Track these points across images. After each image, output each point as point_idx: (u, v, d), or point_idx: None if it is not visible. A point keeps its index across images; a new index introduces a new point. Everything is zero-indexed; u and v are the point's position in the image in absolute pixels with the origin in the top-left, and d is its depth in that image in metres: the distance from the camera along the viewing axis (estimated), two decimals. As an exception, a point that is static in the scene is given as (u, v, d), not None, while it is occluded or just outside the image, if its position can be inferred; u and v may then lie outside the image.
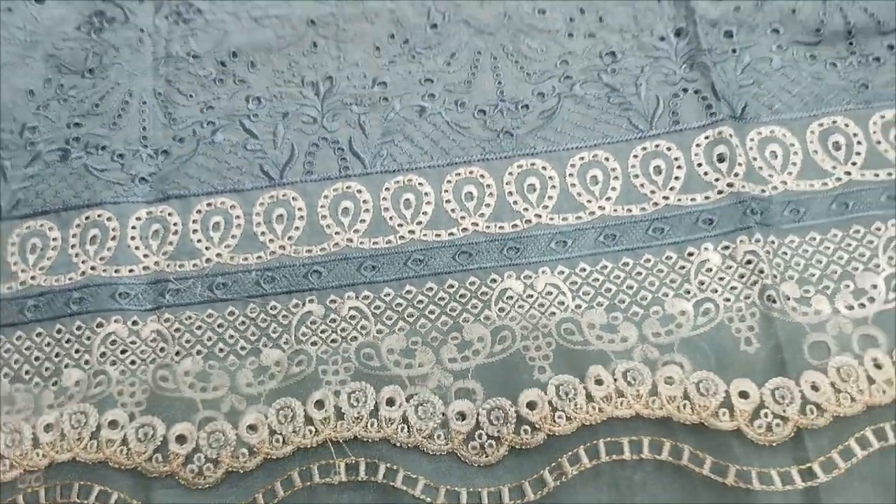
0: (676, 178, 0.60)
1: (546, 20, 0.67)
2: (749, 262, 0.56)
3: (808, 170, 0.60)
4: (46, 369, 0.56)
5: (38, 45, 0.68)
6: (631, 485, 0.51)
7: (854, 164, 0.60)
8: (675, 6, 0.67)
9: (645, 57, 0.65)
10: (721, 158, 0.60)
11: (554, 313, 0.56)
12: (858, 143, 0.60)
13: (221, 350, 0.56)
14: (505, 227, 0.59)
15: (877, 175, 0.59)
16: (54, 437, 0.54)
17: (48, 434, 0.54)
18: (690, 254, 0.57)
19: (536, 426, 0.52)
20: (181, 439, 0.53)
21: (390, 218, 0.60)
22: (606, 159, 0.61)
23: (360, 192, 0.61)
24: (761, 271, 0.56)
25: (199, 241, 0.60)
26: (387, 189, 0.61)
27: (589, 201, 0.60)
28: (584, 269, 0.57)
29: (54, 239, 0.61)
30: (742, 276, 0.56)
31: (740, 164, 0.59)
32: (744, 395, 0.52)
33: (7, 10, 0.69)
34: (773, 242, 0.57)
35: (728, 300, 0.55)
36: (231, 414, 0.54)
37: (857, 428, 0.51)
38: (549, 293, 0.57)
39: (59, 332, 0.57)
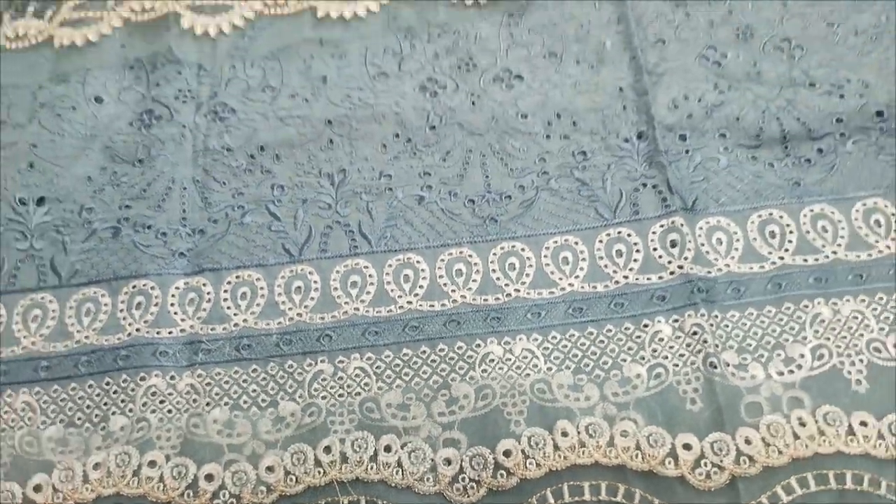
0: (635, 260, 0.71)
1: (527, 124, 0.79)
2: (695, 333, 0.66)
3: (748, 255, 0.70)
4: (96, 416, 0.67)
5: (96, 139, 0.81)
6: (590, 522, 0.60)
7: (787, 250, 0.70)
8: (637, 113, 0.79)
9: (611, 156, 0.77)
10: (673, 244, 0.71)
11: (529, 374, 0.66)
12: (791, 232, 0.71)
13: (245, 402, 0.67)
14: (489, 299, 0.70)
15: (805, 260, 0.70)
16: (101, 474, 0.64)
17: (96, 472, 0.64)
18: (645, 325, 0.68)
19: (511, 471, 0.62)
20: (209, 478, 0.63)
21: (391, 290, 0.71)
22: (576, 243, 0.72)
23: (366, 268, 0.72)
24: (705, 341, 0.66)
25: (228, 307, 0.71)
26: (389, 266, 0.72)
27: (560, 279, 0.70)
28: (555, 337, 0.68)
29: (105, 304, 0.72)
30: (689, 346, 0.66)
31: (690, 249, 0.70)
32: (687, 447, 0.62)
33: (71, 108, 0.82)
34: (716, 316, 0.67)
35: (677, 366, 0.65)
36: (252, 457, 0.64)
37: (783, 476, 0.60)
38: (525, 357, 0.67)
39: (107, 384, 0.68)
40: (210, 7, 0.87)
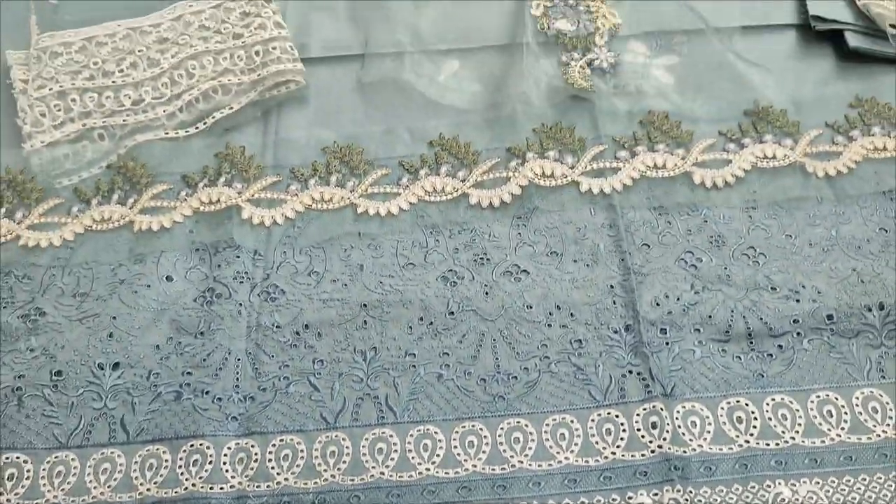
0: (622, 438, 0.85)
1: (532, 313, 0.95)
2: (672, 506, 0.80)
3: (718, 437, 0.85)
4: (155, 561, 0.80)
5: (165, 312, 0.98)
6: None
7: (752, 434, 0.85)
8: (625, 308, 0.95)
9: (603, 345, 0.92)
10: (654, 426, 0.86)
11: (529, 538, 0.79)
12: (755, 418, 0.86)
13: (284, 553, 0.80)
14: (496, 469, 0.84)
15: (768, 444, 0.84)
16: None
17: None
18: (630, 497, 0.81)
19: None
20: None
21: (412, 458, 0.85)
22: (572, 421, 0.87)
23: (391, 436, 0.87)
24: (681, 514, 0.80)
25: (272, 467, 0.85)
26: (411, 435, 0.87)
27: (558, 453, 0.85)
28: (552, 505, 0.81)
29: (166, 460, 0.86)
30: (667, 517, 0.80)
31: (668, 431, 0.85)
32: None
33: (146, 286, 0.99)
34: (690, 492, 0.81)
35: (656, 534, 0.79)
36: None
37: None
38: (526, 522, 0.80)
39: (166, 532, 0.81)
40: (266, 201, 1.07)
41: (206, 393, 0.91)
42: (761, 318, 0.93)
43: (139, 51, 1.19)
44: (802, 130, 1.09)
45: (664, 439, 0.84)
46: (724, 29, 1.21)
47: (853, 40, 1.16)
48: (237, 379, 0.92)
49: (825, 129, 1.10)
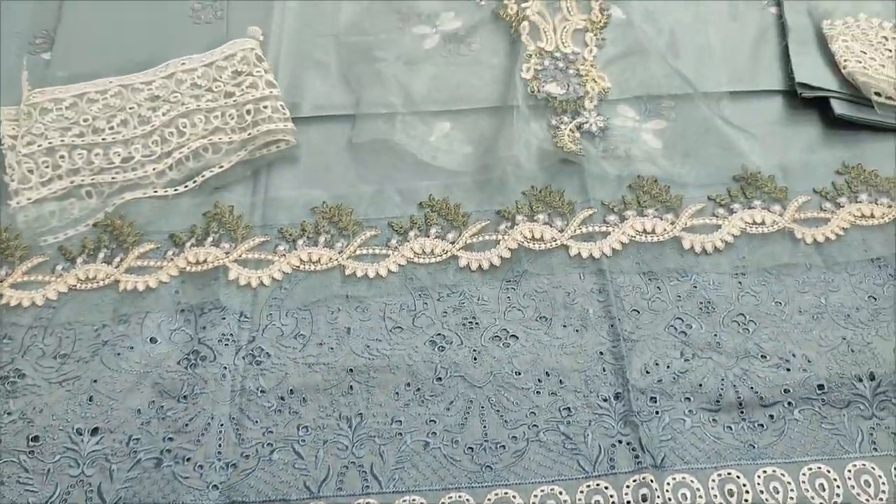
0: (611, 511, 0.85)
1: (521, 380, 0.95)
2: (663, 582, 0.79)
3: (709, 511, 0.85)
4: None
5: (148, 375, 0.97)
6: None
7: (743, 508, 0.85)
8: (615, 376, 0.95)
9: (592, 413, 0.92)
10: (644, 498, 0.85)
11: None
12: (746, 491, 0.86)
13: None
14: (482, 541, 0.83)
15: (759, 519, 0.84)
16: None
17: None
18: (620, 574, 0.81)
19: None
20: None
21: (397, 529, 0.84)
22: (560, 493, 0.86)
23: (376, 507, 0.86)
24: (672, 591, 0.79)
25: (252, 538, 0.84)
26: (396, 505, 0.86)
27: (546, 526, 0.84)
28: (540, 582, 0.80)
29: (144, 531, 0.85)
30: (658, 593, 0.79)
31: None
32: None
33: (129, 347, 0.99)
34: (681, 569, 0.80)
35: None
36: None
37: None
38: None
39: None
40: (254, 262, 1.07)
41: (188, 460, 0.90)
42: (752, 388, 0.93)
43: (130, 108, 1.21)
44: (790, 196, 1.11)
45: (654, 513, 0.84)
46: (712, 94, 1.23)
47: (839, 107, 1.19)
48: (220, 445, 0.91)
49: (813, 195, 1.12)
